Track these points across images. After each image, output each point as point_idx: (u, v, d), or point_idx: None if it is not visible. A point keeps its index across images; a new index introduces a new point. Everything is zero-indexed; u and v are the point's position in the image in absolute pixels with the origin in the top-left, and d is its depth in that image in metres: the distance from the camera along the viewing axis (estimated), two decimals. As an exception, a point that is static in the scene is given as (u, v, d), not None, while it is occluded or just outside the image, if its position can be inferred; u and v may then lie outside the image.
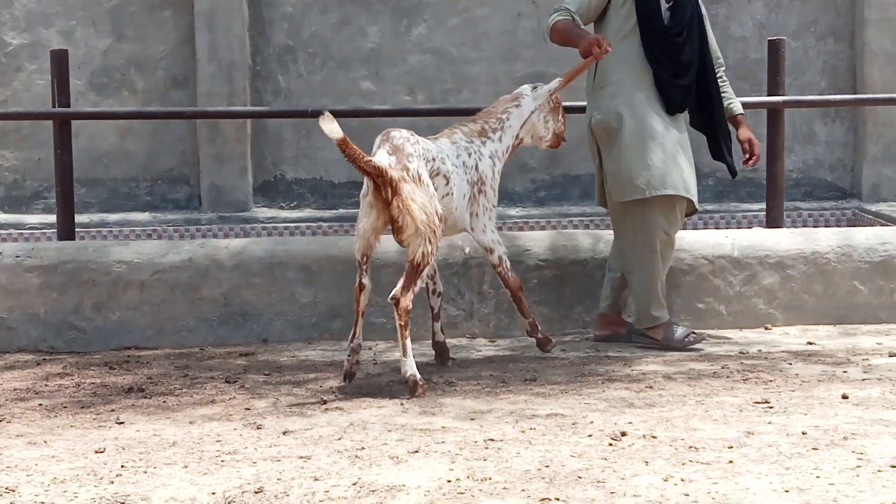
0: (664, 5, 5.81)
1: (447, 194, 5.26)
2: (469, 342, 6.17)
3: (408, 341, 5.01)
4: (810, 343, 5.94)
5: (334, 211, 9.31)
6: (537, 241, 6.43)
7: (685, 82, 5.85)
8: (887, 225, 7.79)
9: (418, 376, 4.98)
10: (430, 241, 5.00)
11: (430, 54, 9.47)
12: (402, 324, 5.00)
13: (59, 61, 7.07)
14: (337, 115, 7.64)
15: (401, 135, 5.16)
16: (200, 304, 6.29)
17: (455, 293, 6.25)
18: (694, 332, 5.86)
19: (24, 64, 9.50)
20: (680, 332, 5.85)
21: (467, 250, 6.30)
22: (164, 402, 4.95)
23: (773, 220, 6.99)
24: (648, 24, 5.79)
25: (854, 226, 8.50)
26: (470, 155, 5.46)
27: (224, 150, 9.30)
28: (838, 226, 8.82)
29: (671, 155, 5.76)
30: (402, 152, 5.04)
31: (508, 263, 5.58)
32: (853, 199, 9.42)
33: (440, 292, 5.59)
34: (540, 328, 5.74)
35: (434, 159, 5.21)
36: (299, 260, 6.34)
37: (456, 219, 5.39)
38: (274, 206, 9.44)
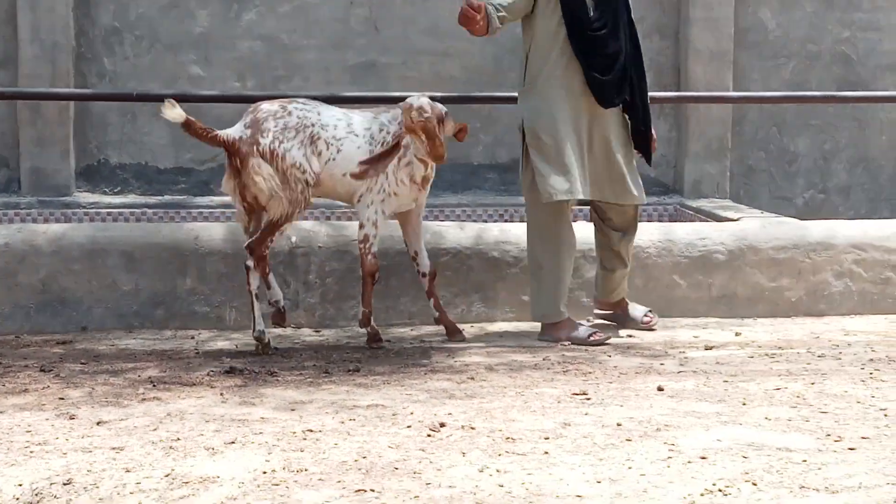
0: (590, 1, 5.83)
1: (329, 159, 5.61)
2: (294, 332, 6.12)
3: (255, 300, 5.58)
4: (630, 336, 6.04)
5: (159, 197, 9.14)
6: (364, 231, 6.40)
7: (613, 77, 5.87)
8: (707, 221, 7.98)
9: (265, 337, 5.57)
10: (289, 203, 5.51)
11: (261, 40, 9.37)
12: (252, 268, 5.56)
13: None
14: (164, 99, 7.53)
15: (268, 108, 5.64)
16: (17, 290, 6.11)
17: (280, 282, 6.19)
18: (598, 332, 5.89)
19: None
20: (583, 330, 5.88)
21: (293, 239, 6.25)
22: (-26, 391, 4.80)
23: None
24: (573, 19, 5.81)
25: (675, 221, 8.68)
26: (381, 131, 5.68)
27: (45, 133, 9.04)
28: (660, 221, 8.99)
29: (573, 160, 5.77)
30: (259, 126, 5.55)
31: (373, 248, 5.69)
32: (675, 195, 9.61)
33: (425, 273, 5.91)
34: (372, 322, 5.73)
35: (313, 125, 5.59)
36: (121, 246, 6.21)
37: (342, 184, 5.66)
38: (97, 191, 9.22)
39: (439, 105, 5.68)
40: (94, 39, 9.21)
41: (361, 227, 5.71)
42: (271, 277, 5.80)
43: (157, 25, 9.26)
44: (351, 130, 5.67)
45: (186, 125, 5.51)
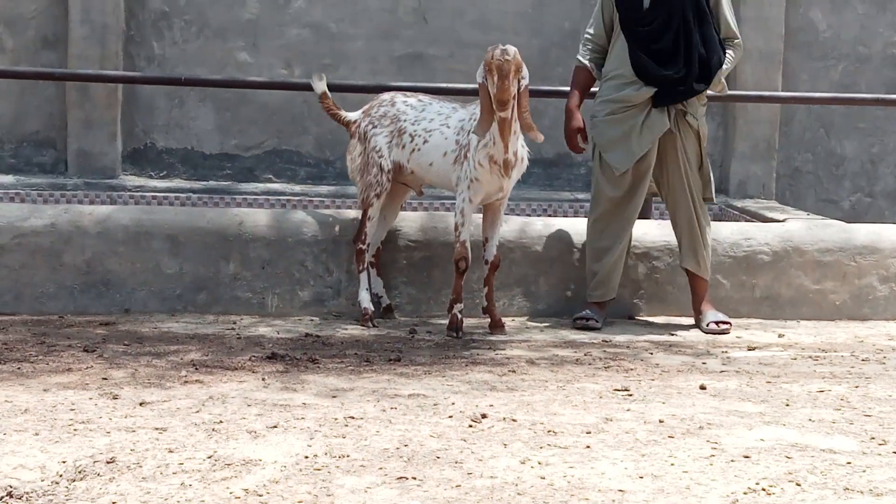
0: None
1: (414, 149, 5.91)
2: (335, 320, 6.12)
3: (362, 274, 6.03)
4: (672, 334, 6.02)
5: (204, 182, 9.17)
6: (408, 221, 6.40)
7: (668, 73, 5.91)
8: (752, 221, 7.93)
9: (370, 308, 5.97)
10: (365, 186, 5.99)
11: (309, 28, 9.38)
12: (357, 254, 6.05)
13: (-76, 14, 6.86)
14: (213, 84, 7.56)
15: (383, 97, 6.14)
16: (62, 270, 6.15)
17: (323, 270, 6.21)
18: None
19: None
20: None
21: (336, 228, 6.26)
22: (19, 368, 4.83)
23: (642, 212, 7.04)
24: (624, 13, 5.98)
25: (720, 221, 8.63)
26: (460, 121, 5.85)
27: (93, 115, 9.10)
28: (705, 220, 8.93)
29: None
30: (368, 112, 6.10)
31: (462, 236, 5.79)
32: (721, 195, 9.53)
33: (488, 260, 5.97)
34: (455, 310, 5.82)
35: (406, 119, 5.96)
36: (166, 230, 6.23)
37: (434, 173, 5.92)
38: (143, 175, 9.27)
39: (521, 60, 5.64)
40: (143, 23, 9.25)
41: (455, 215, 5.85)
42: (372, 272, 6.14)
43: (206, 11, 9.30)
44: (444, 123, 5.87)
45: (322, 97, 6.21)
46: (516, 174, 5.85)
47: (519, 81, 5.58)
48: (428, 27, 9.47)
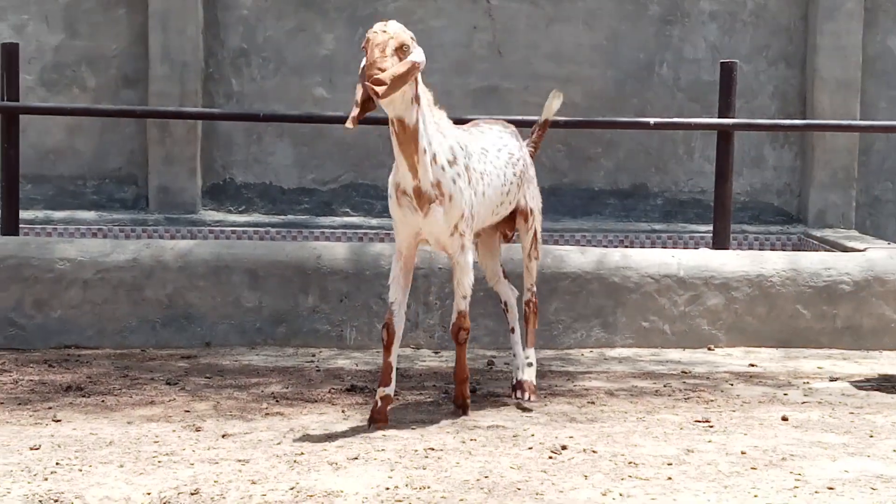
0: None
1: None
2: (413, 352, 6.14)
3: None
4: (752, 365, 5.97)
5: (283, 216, 9.26)
6: (485, 253, 6.41)
7: None
8: (832, 251, 7.85)
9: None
10: None
11: (385, 64, 9.45)
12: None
13: (10, 55, 7.01)
14: (290, 120, 7.62)
15: None
16: (144, 304, 6.23)
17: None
18: None
19: (-26, 57, 9.38)
20: None
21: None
22: (103, 401, 4.90)
23: (719, 242, 7.03)
24: None
25: (799, 251, 8.56)
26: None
27: (174, 151, 9.24)
28: (784, 250, 8.87)
29: None
30: None
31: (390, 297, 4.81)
32: (799, 224, 9.49)
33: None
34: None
35: None
36: (245, 264, 6.29)
37: None
38: (222, 210, 9.38)
39: (409, 37, 4.36)
40: (222, 60, 9.38)
41: None
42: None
43: (283, 48, 9.40)
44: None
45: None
46: (447, 212, 4.50)
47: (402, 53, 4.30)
48: (503, 60, 9.50)
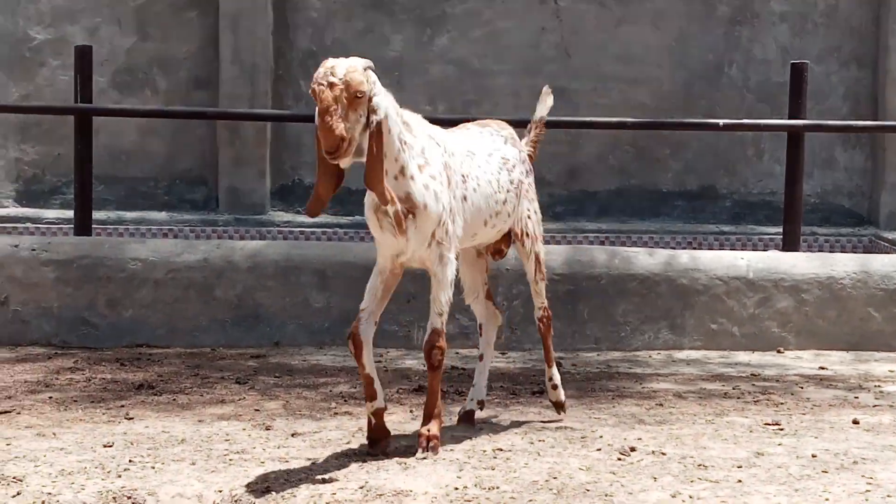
0: None
1: None
2: (480, 353, 6.14)
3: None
4: (823, 368, 5.92)
5: (351, 217, 9.31)
6: (553, 255, 6.41)
7: None
8: (904, 253, 7.77)
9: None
10: None
11: (453, 65, 9.48)
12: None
13: (83, 57, 7.10)
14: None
15: None
16: (214, 304, 6.29)
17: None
18: None
19: (48, 59, 9.52)
20: None
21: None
22: (175, 399, 4.96)
23: (789, 244, 6.97)
24: None
25: (870, 253, 8.47)
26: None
27: (243, 153, 9.33)
28: (854, 252, 8.78)
29: None
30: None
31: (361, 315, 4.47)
32: (870, 227, 9.40)
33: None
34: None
35: None
36: (314, 264, 6.34)
37: None
38: (291, 210, 9.45)
39: (365, 77, 3.87)
40: (291, 62, 9.45)
41: None
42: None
43: (351, 49, 9.43)
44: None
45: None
46: (421, 221, 4.12)
47: (367, 117, 3.86)
48: (570, 62, 9.49)
